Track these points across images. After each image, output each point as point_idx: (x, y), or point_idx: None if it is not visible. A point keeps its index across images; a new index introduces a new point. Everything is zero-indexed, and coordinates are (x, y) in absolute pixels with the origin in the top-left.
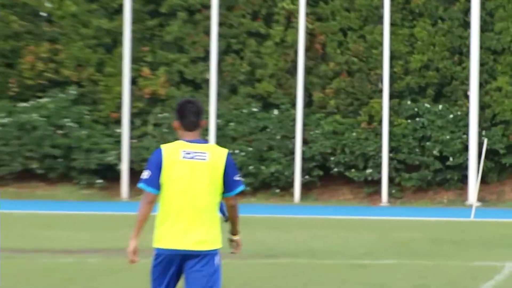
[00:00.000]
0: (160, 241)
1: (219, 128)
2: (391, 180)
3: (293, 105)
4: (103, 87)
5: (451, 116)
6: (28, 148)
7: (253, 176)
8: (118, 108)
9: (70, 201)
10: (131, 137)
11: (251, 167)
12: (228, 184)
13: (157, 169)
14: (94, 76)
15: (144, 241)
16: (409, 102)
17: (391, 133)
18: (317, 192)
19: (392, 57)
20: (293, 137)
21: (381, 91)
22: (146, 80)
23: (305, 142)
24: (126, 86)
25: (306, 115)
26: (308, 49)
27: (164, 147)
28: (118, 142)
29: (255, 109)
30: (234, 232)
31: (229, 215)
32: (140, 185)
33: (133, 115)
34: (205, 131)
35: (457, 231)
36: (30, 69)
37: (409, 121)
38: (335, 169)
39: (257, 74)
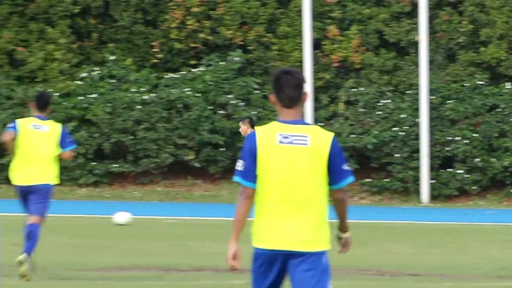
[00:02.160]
0: (259, 241)
1: (433, 108)
2: None
3: None
4: (277, 53)
5: None
6: (179, 133)
7: (480, 172)
8: None
9: None
10: (316, 119)
11: (477, 160)
12: (334, 175)
13: (252, 157)
14: (265, 38)
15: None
16: None
17: None
18: None
19: None
20: None
21: None
22: (334, 43)
23: None
24: (307, 51)
25: None
26: None
27: (259, 130)
28: None
29: (480, 82)
30: (343, 228)
31: (336, 211)
32: (236, 178)
33: (318, 90)
34: (415, 111)
35: None
36: (178, 28)
37: None
38: None
39: (482, 35)
